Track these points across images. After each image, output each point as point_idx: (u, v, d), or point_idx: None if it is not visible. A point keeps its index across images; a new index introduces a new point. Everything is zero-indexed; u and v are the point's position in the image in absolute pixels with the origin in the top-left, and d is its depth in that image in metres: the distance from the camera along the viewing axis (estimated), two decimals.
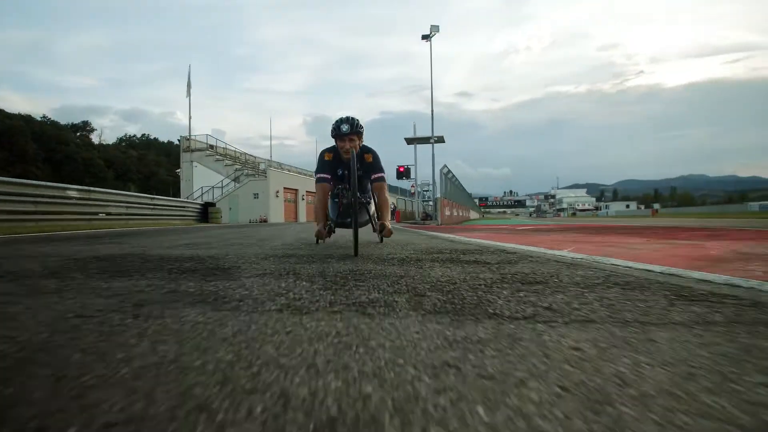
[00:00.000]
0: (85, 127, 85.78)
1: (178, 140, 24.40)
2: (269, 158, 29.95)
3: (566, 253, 2.44)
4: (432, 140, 14.57)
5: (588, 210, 67.86)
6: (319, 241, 3.25)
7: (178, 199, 15.15)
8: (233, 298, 1.17)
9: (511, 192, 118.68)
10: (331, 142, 3.00)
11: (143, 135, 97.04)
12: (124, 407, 0.50)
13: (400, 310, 1.01)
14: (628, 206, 68.68)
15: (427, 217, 14.41)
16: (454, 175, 14.90)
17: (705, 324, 0.88)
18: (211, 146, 22.97)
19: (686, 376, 0.60)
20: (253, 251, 2.73)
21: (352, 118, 2.88)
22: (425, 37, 14.87)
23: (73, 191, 7.00)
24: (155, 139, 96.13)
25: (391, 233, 2.91)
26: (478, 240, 3.98)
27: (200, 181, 21.38)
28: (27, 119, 62.82)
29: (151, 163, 77.28)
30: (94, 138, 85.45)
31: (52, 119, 74.34)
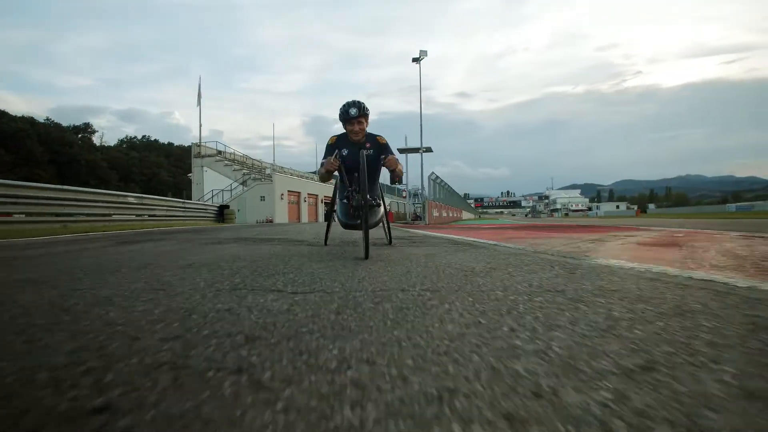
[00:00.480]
0: (86, 129, 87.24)
1: (189, 145, 26.14)
2: (272, 161, 31.81)
3: (475, 240, 4.31)
4: (421, 150, 16.61)
5: (581, 210, 70.48)
6: (327, 243, 3.55)
7: (202, 202, 17.09)
8: (340, 244, 3.04)
9: (508, 193, 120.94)
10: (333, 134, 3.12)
11: (143, 136, 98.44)
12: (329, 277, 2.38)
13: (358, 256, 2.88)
14: (618, 207, 70.94)
15: (416, 217, 16.26)
16: (443, 180, 16.84)
17: (456, 248, 2.76)
18: (220, 152, 24.95)
19: (455, 257, 2.47)
20: (309, 235, 4.59)
21: (359, 102, 2.98)
22: (415, 60, 16.81)
23: (131, 198, 8.86)
24: (155, 141, 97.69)
25: (401, 172, 3.05)
26: (440, 234, 5.86)
27: (210, 184, 23.31)
28: (31, 122, 64.45)
29: (152, 165, 78.94)
30: (95, 140, 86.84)
31: (55, 121, 75.76)
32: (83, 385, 0.64)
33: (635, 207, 71.78)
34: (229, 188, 23.08)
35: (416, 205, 15.99)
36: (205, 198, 22.49)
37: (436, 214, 14.72)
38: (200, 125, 23.15)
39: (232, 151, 26.30)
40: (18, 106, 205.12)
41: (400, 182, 3.22)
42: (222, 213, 15.95)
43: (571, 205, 72.25)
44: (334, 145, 3.02)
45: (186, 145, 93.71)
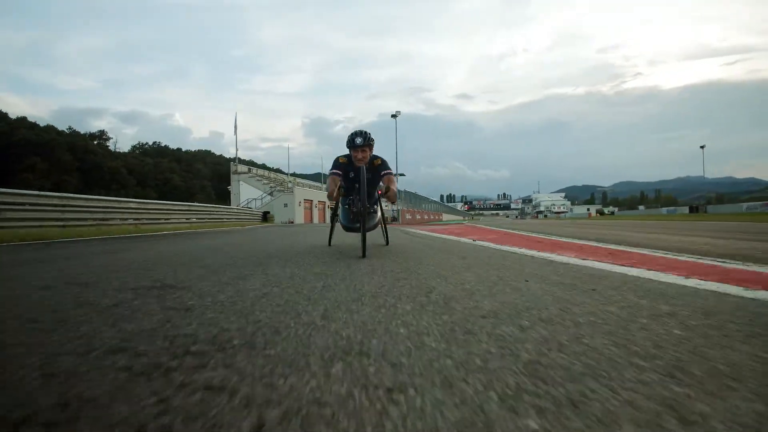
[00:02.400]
0: (101, 136, 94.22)
1: (223, 160, 33.02)
2: (275, 166, 38.79)
3: (415, 230, 11.19)
4: (396, 175, 24.14)
5: (561, 212, 78.12)
6: (331, 244, 4.00)
7: (251, 209, 24.19)
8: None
9: (504, 195, 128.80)
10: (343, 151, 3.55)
11: (154, 142, 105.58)
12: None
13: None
14: (588, 209, 78.27)
15: (393, 219, 23.26)
16: (415, 193, 24.16)
17: (401, 233, 9.63)
18: (250, 169, 31.93)
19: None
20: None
21: (364, 132, 3.39)
22: (393, 116, 23.87)
23: (210, 207, 15.81)
24: (166, 147, 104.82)
25: (395, 197, 3.46)
26: (401, 227, 12.69)
27: (245, 194, 30.23)
28: (58, 132, 71.32)
29: (165, 170, 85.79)
30: (110, 146, 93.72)
31: (74, 129, 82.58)
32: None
33: (609, 209, 78.83)
34: (260, 198, 30.04)
35: (393, 210, 23.01)
36: (242, 204, 29.46)
37: (409, 217, 21.86)
38: (236, 149, 30.22)
39: (263, 171, 33.37)
40: (20, 107, 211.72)
41: (393, 202, 3.61)
42: (265, 216, 23.00)
43: (554, 208, 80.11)
44: (344, 163, 3.48)
45: (218, 154, 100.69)
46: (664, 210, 50.12)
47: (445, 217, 34.99)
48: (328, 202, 35.71)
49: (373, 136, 3.42)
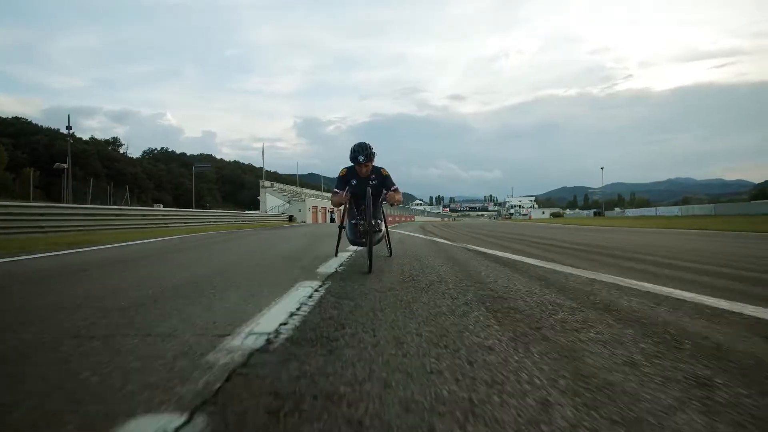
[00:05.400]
0: (114, 143, 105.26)
1: (224, 164, 45.29)
2: (295, 172, 51.09)
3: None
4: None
5: (524, 214, 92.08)
6: (338, 254, 4.37)
7: (280, 213, 36.58)
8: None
9: (491, 197, 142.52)
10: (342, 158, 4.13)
11: (162, 148, 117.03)
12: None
13: None
14: (543, 212, 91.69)
15: None
16: None
17: None
18: (273, 184, 44.28)
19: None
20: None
21: (367, 146, 3.76)
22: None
23: (251, 212, 27.69)
24: (173, 152, 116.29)
25: (400, 201, 4.02)
26: None
27: (270, 202, 42.49)
28: (87, 142, 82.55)
29: (177, 175, 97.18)
30: (123, 152, 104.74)
31: (94, 137, 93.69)
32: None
33: (587, 212, 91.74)
34: (281, 205, 42.36)
35: None
36: (268, 211, 41.80)
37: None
38: (264, 172, 42.18)
39: (282, 186, 45.74)
40: (11, 107, 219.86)
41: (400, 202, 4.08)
42: (291, 219, 35.60)
43: (522, 210, 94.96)
44: (345, 177, 3.85)
45: (218, 157, 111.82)
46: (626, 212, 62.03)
47: (419, 218, 47.59)
48: (328, 207, 48.08)
49: (374, 150, 3.75)
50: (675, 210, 43.17)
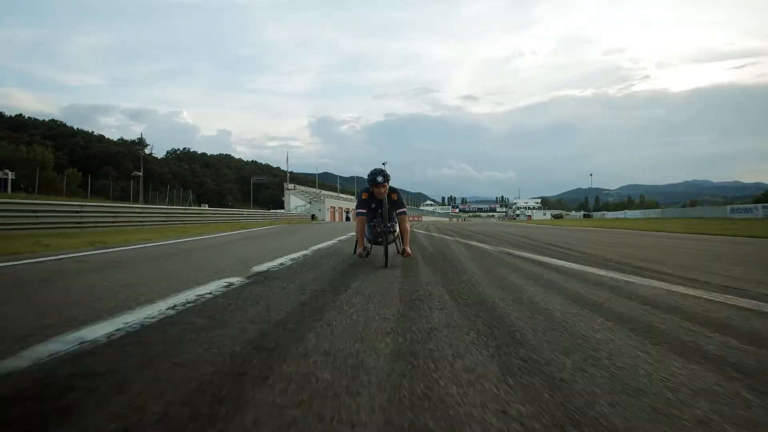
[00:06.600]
0: (140, 143, 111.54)
1: (242, 164, 50.36)
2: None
3: None
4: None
5: (529, 215, 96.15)
6: (360, 258, 4.55)
7: (303, 212, 41.40)
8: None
9: (502, 198, 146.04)
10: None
11: (184, 148, 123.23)
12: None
13: None
14: (545, 214, 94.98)
15: None
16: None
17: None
18: (295, 186, 49.28)
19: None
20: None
21: (383, 171, 4.24)
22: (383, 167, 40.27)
23: (267, 212, 32.22)
24: (194, 152, 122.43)
25: (410, 255, 4.37)
26: None
27: (293, 203, 47.29)
28: (118, 143, 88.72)
29: (200, 175, 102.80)
30: (147, 152, 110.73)
31: (123, 139, 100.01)
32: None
33: (582, 213, 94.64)
34: (303, 205, 47.17)
35: None
36: (291, 210, 46.63)
37: None
38: (288, 176, 46.95)
39: (303, 188, 50.76)
40: (30, 104, 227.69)
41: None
42: (313, 217, 40.36)
43: (527, 211, 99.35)
44: (366, 199, 4.37)
45: (237, 158, 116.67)
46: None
47: (426, 218, 51.88)
48: (345, 207, 52.72)
49: (389, 174, 4.27)
50: (659, 212, 46.57)
